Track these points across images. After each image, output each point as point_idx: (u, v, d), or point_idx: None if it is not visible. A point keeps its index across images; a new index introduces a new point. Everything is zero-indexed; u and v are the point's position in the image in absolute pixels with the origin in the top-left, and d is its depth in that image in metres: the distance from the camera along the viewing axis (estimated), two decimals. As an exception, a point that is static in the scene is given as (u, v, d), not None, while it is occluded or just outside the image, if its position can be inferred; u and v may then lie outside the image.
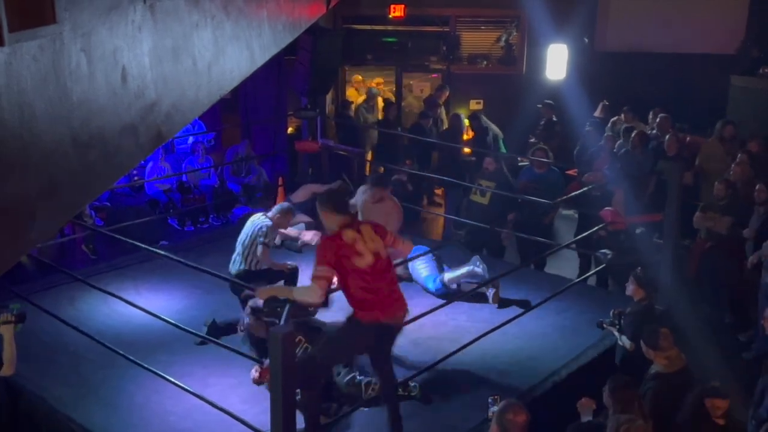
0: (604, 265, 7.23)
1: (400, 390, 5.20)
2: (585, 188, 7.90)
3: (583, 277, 7.80)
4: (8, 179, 2.87)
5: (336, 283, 4.56)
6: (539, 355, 6.11)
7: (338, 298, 5.13)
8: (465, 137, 11.20)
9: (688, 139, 10.10)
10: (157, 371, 5.22)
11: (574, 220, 9.50)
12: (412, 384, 5.41)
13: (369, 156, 11.59)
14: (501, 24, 12.92)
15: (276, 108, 11.68)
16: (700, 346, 6.38)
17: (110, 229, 7.97)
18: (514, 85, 12.42)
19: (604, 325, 6.05)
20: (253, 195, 10.80)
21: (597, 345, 6.23)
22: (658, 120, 10.16)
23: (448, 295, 6.79)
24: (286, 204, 6.99)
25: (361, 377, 5.38)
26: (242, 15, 5.57)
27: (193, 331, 5.51)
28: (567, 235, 9.25)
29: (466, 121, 11.37)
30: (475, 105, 12.55)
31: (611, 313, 6.03)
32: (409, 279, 7.16)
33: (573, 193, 8.00)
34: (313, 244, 7.29)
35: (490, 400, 4.77)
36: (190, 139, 11.14)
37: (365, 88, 13.15)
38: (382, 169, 10.96)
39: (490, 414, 4.58)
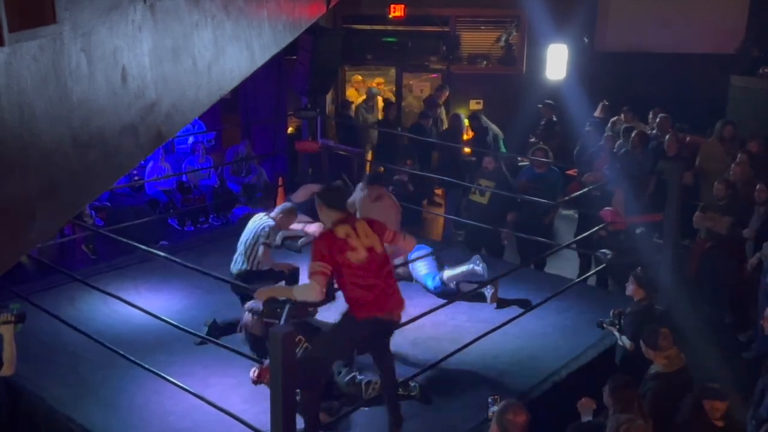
0: (604, 265, 7.23)
1: (400, 390, 5.20)
2: (585, 189, 7.91)
3: (583, 277, 7.80)
4: (8, 179, 2.87)
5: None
6: (539, 355, 6.11)
7: (339, 297, 5.13)
8: (465, 137, 11.20)
9: (688, 139, 10.11)
10: (157, 371, 5.22)
11: (574, 220, 9.50)
12: (413, 384, 5.41)
13: (369, 156, 11.60)
14: (501, 24, 12.92)
15: (276, 108, 11.68)
16: (700, 346, 6.39)
17: (110, 229, 7.98)
18: (514, 85, 12.42)
19: (604, 325, 6.05)
20: (253, 195, 10.81)
21: (597, 345, 6.23)
22: (658, 120, 10.16)
23: (448, 293, 6.79)
24: (288, 204, 6.99)
25: (362, 377, 5.38)
26: (242, 15, 5.57)
27: (193, 331, 5.51)
28: (567, 235, 9.25)
29: (466, 121, 11.37)
30: (475, 105, 12.56)
31: (611, 313, 6.04)
32: (409, 278, 7.16)
33: (574, 194, 8.00)
34: (317, 236, 7.29)
35: (490, 400, 4.77)
36: (190, 139, 11.15)
37: (365, 88, 13.16)
38: (382, 169, 10.96)
39: (490, 414, 4.58)
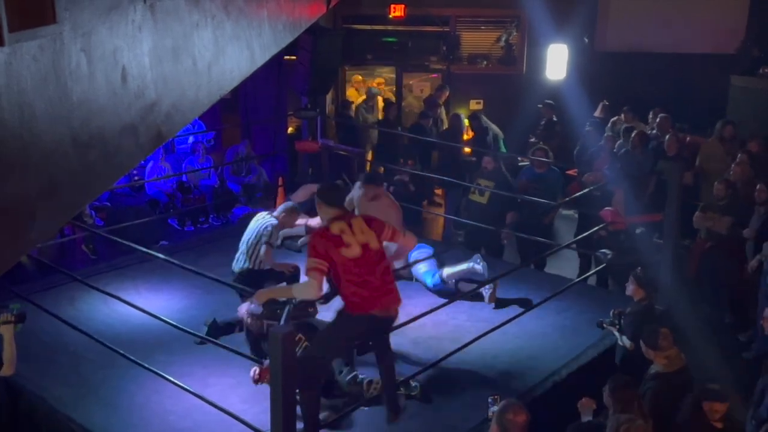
0: (604, 265, 7.23)
1: (402, 389, 5.21)
2: (585, 189, 7.91)
3: (583, 277, 7.80)
4: (8, 179, 2.87)
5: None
6: (539, 354, 6.11)
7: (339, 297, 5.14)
8: (465, 137, 11.20)
9: (688, 139, 10.10)
10: (157, 371, 5.22)
11: (574, 220, 9.50)
12: (414, 384, 5.41)
13: (369, 156, 11.60)
14: (501, 24, 12.92)
15: (276, 108, 11.68)
16: (700, 346, 6.39)
17: (110, 229, 7.99)
18: (514, 85, 12.42)
19: (604, 325, 6.05)
20: (253, 195, 10.81)
21: (597, 345, 6.23)
22: (658, 120, 10.16)
23: (446, 292, 6.78)
24: (291, 203, 6.99)
25: (363, 376, 5.38)
26: (242, 15, 5.57)
27: (193, 331, 5.51)
28: (567, 235, 9.25)
29: (466, 121, 11.37)
30: (475, 105, 12.56)
31: (611, 313, 6.04)
32: (410, 277, 7.16)
33: (574, 195, 7.99)
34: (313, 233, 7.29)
35: (490, 400, 4.77)
36: (191, 139, 11.15)
37: (365, 88, 13.16)
38: (382, 169, 10.97)
39: (490, 414, 4.58)
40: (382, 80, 13.69)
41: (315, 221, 7.53)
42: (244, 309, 5.83)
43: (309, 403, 4.60)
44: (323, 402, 5.20)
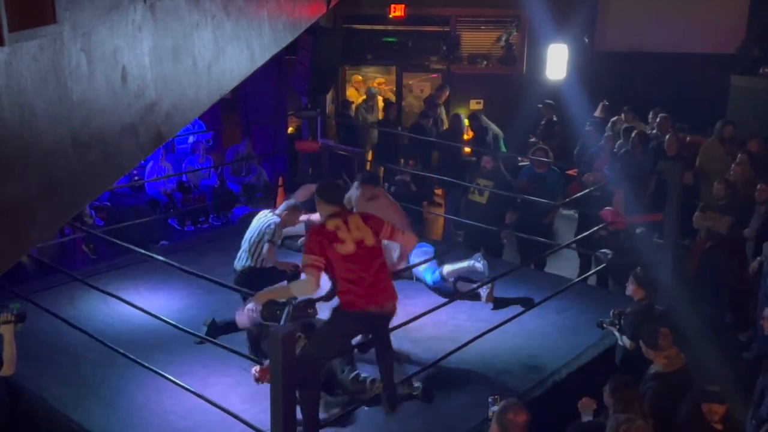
0: (604, 265, 7.23)
1: (404, 389, 5.21)
2: (586, 190, 7.91)
3: (583, 276, 7.80)
4: (8, 179, 2.87)
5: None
6: (539, 354, 6.11)
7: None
8: (465, 137, 11.20)
9: (688, 139, 10.10)
10: (158, 370, 5.22)
11: (574, 220, 9.50)
12: (417, 384, 5.41)
13: (369, 156, 11.59)
14: (501, 24, 12.92)
15: (276, 108, 11.68)
16: (700, 346, 6.39)
17: (109, 229, 7.98)
18: (514, 85, 12.42)
19: (604, 325, 6.05)
20: (253, 195, 10.80)
21: (597, 345, 6.23)
22: (658, 120, 10.16)
23: (445, 291, 6.77)
24: (292, 201, 6.99)
25: (366, 374, 5.37)
26: (242, 15, 5.57)
27: (192, 331, 5.50)
28: (567, 235, 9.25)
29: (466, 121, 11.37)
30: (475, 105, 12.55)
31: (611, 312, 6.04)
32: (410, 277, 7.15)
33: (575, 196, 7.99)
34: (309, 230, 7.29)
35: (490, 400, 4.77)
36: (191, 139, 11.14)
37: (365, 88, 13.16)
38: (382, 169, 10.97)
39: (490, 414, 4.58)
40: (382, 80, 13.69)
41: (317, 216, 7.52)
42: (245, 318, 5.79)
43: (308, 402, 4.60)
44: (328, 400, 5.22)
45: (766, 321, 5.92)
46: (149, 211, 9.86)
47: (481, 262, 6.89)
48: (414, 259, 6.89)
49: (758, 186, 7.53)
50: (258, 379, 5.12)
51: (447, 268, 6.95)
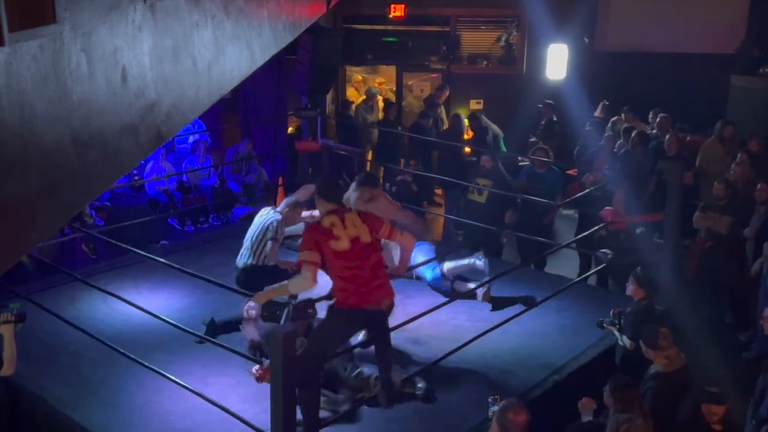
0: (604, 264, 7.22)
1: (406, 388, 5.21)
2: (586, 190, 7.91)
3: (583, 276, 7.80)
4: (8, 179, 2.87)
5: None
6: (539, 354, 6.11)
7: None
8: (465, 137, 11.20)
9: (688, 139, 10.11)
10: (158, 370, 5.22)
11: (574, 220, 9.50)
12: (420, 384, 5.41)
13: (369, 156, 11.59)
14: (501, 24, 12.92)
15: (276, 108, 11.68)
16: (700, 346, 6.38)
17: (109, 229, 7.98)
18: (514, 85, 12.42)
19: (605, 325, 6.05)
20: (253, 194, 10.80)
21: (597, 345, 6.23)
22: (658, 120, 10.16)
23: (443, 290, 6.76)
24: (293, 198, 6.98)
25: (369, 372, 5.37)
26: (242, 15, 5.57)
27: (192, 330, 5.50)
28: (567, 234, 9.25)
29: (466, 121, 11.37)
30: (475, 105, 12.55)
31: (611, 312, 6.04)
32: (410, 276, 7.14)
33: (575, 196, 7.99)
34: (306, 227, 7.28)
35: (490, 400, 4.77)
36: (191, 139, 11.14)
37: (365, 88, 13.16)
38: (382, 169, 10.96)
39: (490, 414, 4.58)
40: (382, 80, 13.69)
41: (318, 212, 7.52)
42: (252, 330, 5.77)
43: (308, 402, 4.60)
44: (331, 398, 5.22)
45: (766, 321, 5.92)
46: (149, 211, 9.86)
47: (482, 260, 6.88)
48: (415, 257, 6.89)
49: (758, 186, 7.53)
50: (258, 379, 5.12)
51: (447, 265, 6.94)
